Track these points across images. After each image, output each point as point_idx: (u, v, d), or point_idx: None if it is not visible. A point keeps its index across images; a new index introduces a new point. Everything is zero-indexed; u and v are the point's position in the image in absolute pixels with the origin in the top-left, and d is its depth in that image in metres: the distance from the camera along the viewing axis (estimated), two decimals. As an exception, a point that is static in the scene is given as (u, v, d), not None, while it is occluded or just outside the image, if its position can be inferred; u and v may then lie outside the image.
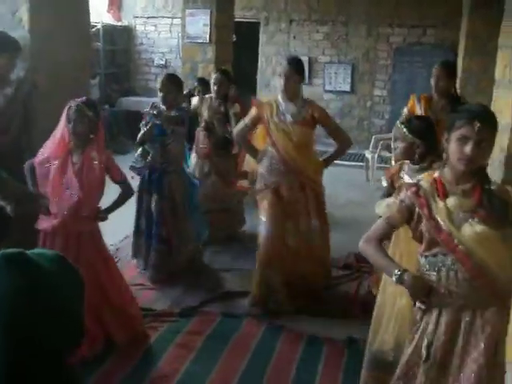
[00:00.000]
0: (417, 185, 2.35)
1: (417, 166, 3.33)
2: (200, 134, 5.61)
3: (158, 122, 4.66)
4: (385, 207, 2.56)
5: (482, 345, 2.23)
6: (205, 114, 5.60)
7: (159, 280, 4.83)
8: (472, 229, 2.21)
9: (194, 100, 5.76)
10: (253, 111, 4.46)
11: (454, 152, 2.23)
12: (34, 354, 1.13)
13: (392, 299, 3.02)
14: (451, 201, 2.26)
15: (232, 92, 6.41)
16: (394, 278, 2.28)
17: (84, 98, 3.57)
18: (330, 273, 4.76)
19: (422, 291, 2.29)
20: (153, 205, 4.80)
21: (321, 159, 4.63)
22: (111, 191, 3.82)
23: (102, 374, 3.41)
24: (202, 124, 5.60)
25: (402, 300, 2.93)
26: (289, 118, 4.26)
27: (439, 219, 2.25)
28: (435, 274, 2.29)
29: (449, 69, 4.79)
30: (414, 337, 2.42)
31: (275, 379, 3.51)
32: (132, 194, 3.97)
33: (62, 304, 1.18)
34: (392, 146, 3.60)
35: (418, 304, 2.36)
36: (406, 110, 4.75)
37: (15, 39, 3.84)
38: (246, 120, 4.51)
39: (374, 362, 3.08)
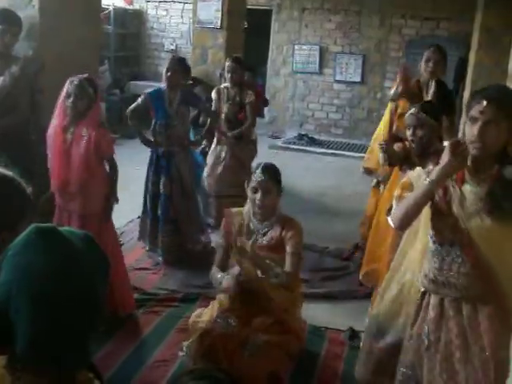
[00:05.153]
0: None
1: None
2: (222, 126, 5.65)
3: None
4: (413, 179, 2.42)
5: (482, 340, 2.22)
6: (224, 107, 5.62)
7: (170, 261, 4.86)
8: (480, 222, 2.16)
9: (213, 94, 5.72)
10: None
11: (466, 134, 2.16)
12: (59, 329, 1.14)
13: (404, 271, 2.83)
14: (467, 188, 2.20)
15: (247, 79, 6.49)
16: (427, 183, 2.20)
17: (85, 74, 3.56)
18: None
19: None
20: (161, 188, 4.82)
21: None
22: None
23: (101, 357, 3.40)
24: (223, 116, 5.63)
25: (406, 275, 2.77)
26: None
27: (452, 204, 2.21)
28: (438, 262, 2.27)
29: (445, 53, 4.65)
30: (415, 322, 2.41)
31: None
32: (116, 168, 3.80)
33: (89, 283, 1.19)
34: (410, 137, 3.46)
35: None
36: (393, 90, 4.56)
37: (18, 16, 3.85)
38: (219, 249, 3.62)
39: (373, 327, 2.96)
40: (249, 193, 3.33)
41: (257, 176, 3.27)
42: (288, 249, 3.26)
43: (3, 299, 1.13)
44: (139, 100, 4.86)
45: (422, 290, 2.41)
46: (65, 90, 3.48)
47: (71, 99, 3.45)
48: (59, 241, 1.18)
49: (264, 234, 3.34)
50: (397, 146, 3.78)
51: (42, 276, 1.13)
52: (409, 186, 2.45)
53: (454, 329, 2.28)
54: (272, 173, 3.32)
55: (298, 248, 3.28)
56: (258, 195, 3.26)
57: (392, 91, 4.57)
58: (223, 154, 5.69)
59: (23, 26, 3.92)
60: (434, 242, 2.32)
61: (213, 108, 5.59)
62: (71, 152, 3.53)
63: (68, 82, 3.48)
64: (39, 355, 1.15)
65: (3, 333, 1.14)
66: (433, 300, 2.35)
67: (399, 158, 3.70)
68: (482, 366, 2.20)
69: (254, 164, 3.32)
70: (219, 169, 5.64)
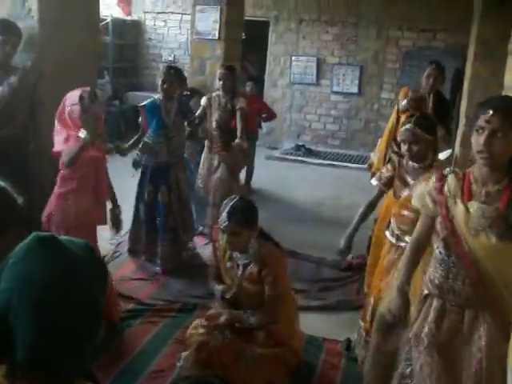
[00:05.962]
0: (443, 179, 2.29)
1: (419, 164, 3.34)
2: (213, 134, 5.60)
3: None
4: (417, 199, 2.44)
5: (483, 342, 2.22)
6: (215, 114, 5.60)
7: (169, 270, 4.86)
8: (488, 240, 2.15)
9: (203, 100, 5.73)
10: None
11: (473, 145, 2.17)
12: (59, 336, 1.15)
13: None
14: (473, 205, 2.18)
15: (249, 89, 6.49)
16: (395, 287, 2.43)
17: (89, 88, 3.57)
18: None
19: (397, 310, 2.45)
20: (160, 197, 4.83)
21: None
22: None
23: (99, 366, 3.38)
24: (214, 124, 5.57)
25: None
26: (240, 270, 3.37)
27: (455, 222, 2.21)
28: (445, 270, 2.28)
29: (443, 68, 5.25)
30: (416, 319, 2.42)
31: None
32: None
33: (89, 292, 1.20)
34: (405, 152, 3.48)
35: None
36: (404, 102, 4.99)
37: (17, 26, 3.87)
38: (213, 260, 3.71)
39: (378, 322, 3.03)
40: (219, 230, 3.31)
41: (222, 220, 3.16)
42: (266, 290, 3.27)
43: (3, 306, 1.14)
44: (140, 119, 4.87)
45: (426, 292, 2.42)
46: (77, 104, 3.48)
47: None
48: (59, 249, 1.19)
49: (245, 266, 3.31)
50: (386, 170, 3.73)
51: (43, 284, 1.14)
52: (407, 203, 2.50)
53: (454, 331, 2.29)
54: (238, 216, 3.13)
55: (274, 290, 3.26)
56: (225, 237, 3.21)
57: (403, 103, 4.99)
58: (215, 163, 5.63)
59: (22, 36, 3.93)
60: (441, 253, 2.32)
61: (197, 113, 5.55)
62: (99, 164, 3.71)
63: (78, 97, 3.48)
64: (39, 361, 1.15)
65: (3, 338, 1.15)
66: (436, 302, 2.36)
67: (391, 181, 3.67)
68: (476, 368, 2.21)
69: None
70: (212, 177, 5.61)
